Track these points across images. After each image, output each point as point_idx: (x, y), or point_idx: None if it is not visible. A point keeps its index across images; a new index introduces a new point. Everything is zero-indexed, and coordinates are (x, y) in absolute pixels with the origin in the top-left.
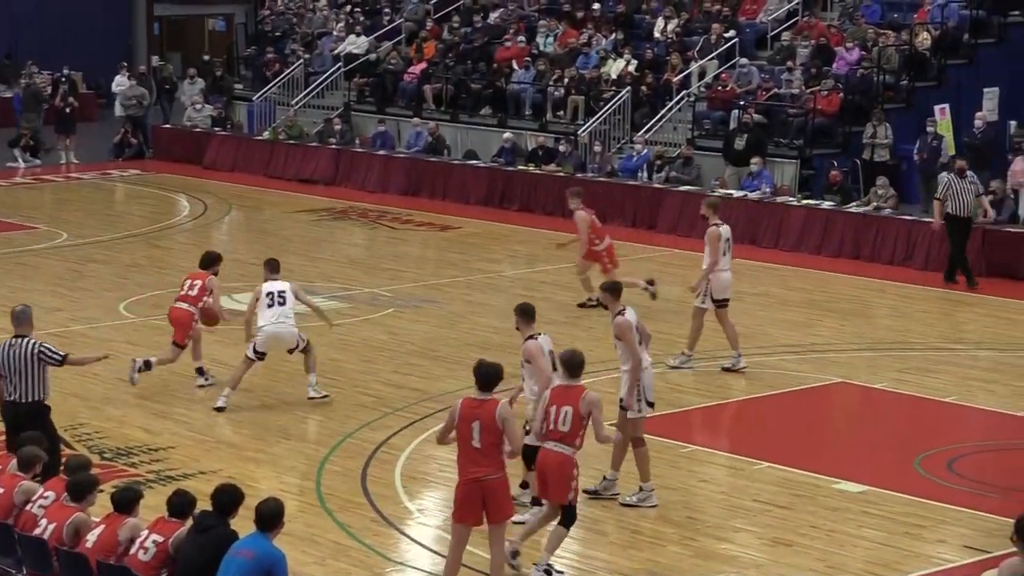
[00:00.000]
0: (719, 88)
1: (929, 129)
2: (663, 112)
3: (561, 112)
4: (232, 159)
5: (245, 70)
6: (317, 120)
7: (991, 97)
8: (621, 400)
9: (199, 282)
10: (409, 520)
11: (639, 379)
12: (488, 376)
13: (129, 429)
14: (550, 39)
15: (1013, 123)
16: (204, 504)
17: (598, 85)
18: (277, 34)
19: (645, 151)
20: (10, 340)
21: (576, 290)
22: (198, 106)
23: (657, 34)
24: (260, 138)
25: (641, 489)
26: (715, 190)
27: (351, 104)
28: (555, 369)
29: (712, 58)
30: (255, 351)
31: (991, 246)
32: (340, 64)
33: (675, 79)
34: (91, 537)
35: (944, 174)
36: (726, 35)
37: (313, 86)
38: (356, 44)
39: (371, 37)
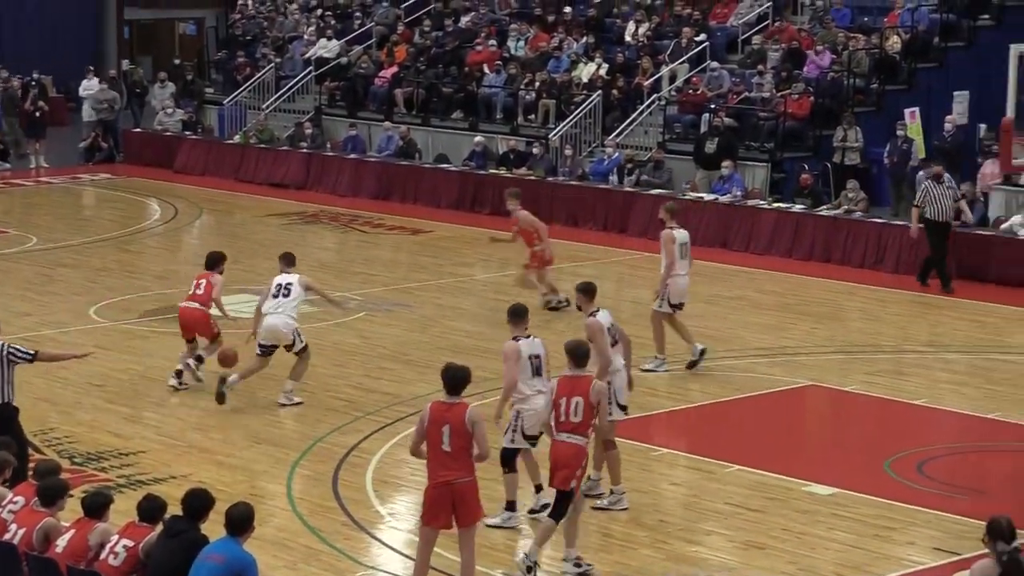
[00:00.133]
0: (690, 92)
1: (899, 132)
2: (634, 116)
3: (532, 116)
4: (203, 163)
5: (216, 74)
6: (288, 124)
7: (961, 100)
8: None
9: (204, 281)
10: (380, 524)
11: (608, 382)
12: (456, 379)
13: (99, 434)
14: (521, 43)
15: (983, 126)
16: (174, 509)
17: (569, 89)
18: (248, 38)
19: (616, 155)
20: None
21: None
22: (169, 110)
23: (628, 38)
24: (231, 142)
25: (612, 492)
26: (686, 193)
27: (322, 108)
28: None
29: (683, 62)
30: (260, 346)
31: (961, 249)
32: (311, 68)
33: (646, 83)
34: (61, 542)
35: (921, 176)
36: (697, 39)
37: (284, 90)
38: (327, 48)
39: (342, 41)
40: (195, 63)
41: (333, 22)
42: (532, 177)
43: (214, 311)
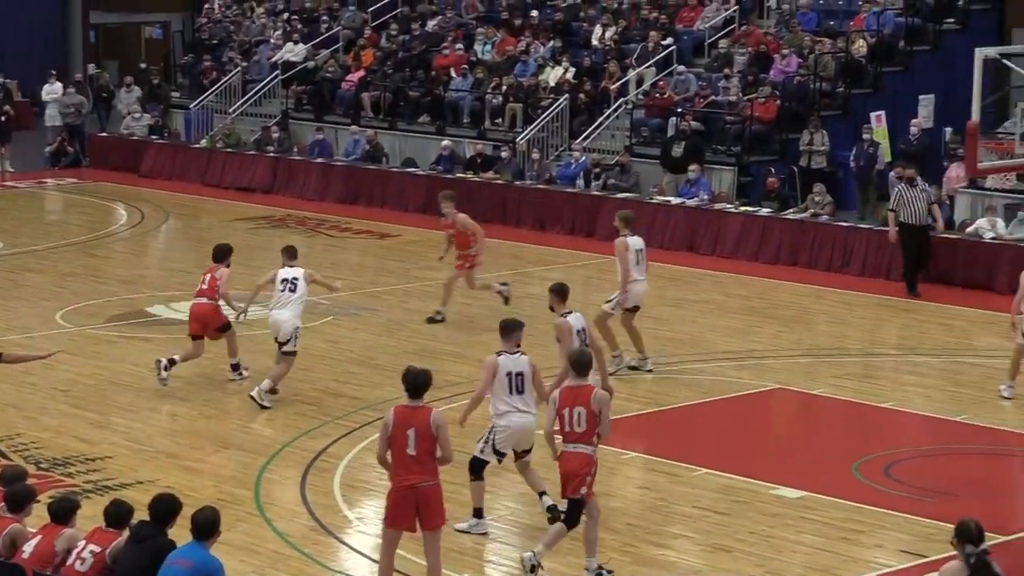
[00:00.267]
0: (657, 95)
1: (865, 136)
2: (601, 120)
3: (499, 120)
4: (169, 167)
5: (182, 78)
6: (255, 128)
7: (926, 104)
8: None
9: (209, 275)
10: (348, 529)
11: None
12: (417, 383)
13: (66, 439)
14: (488, 47)
15: (949, 130)
16: (141, 514)
17: (536, 93)
18: (214, 42)
19: (583, 158)
20: None
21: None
22: (137, 115)
23: (595, 42)
24: (197, 146)
25: None
26: (653, 197)
27: (289, 112)
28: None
29: (649, 65)
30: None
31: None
32: (278, 72)
33: (613, 87)
34: (28, 548)
35: (892, 178)
36: (663, 43)
37: (251, 94)
38: (294, 52)
39: (309, 45)
40: (161, 67)
41: (300, 26)
42: (499, 181)
43: (222, 303)
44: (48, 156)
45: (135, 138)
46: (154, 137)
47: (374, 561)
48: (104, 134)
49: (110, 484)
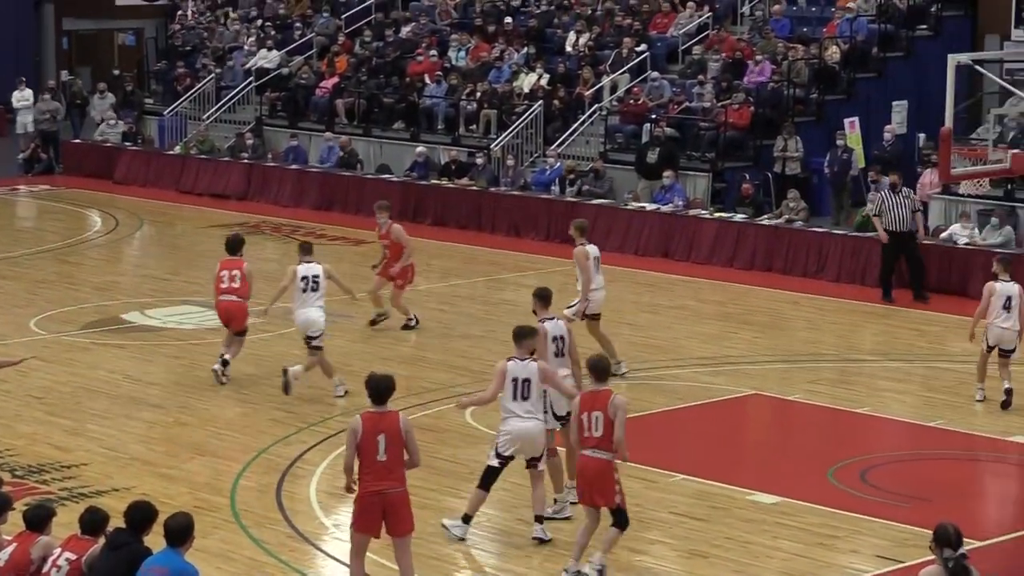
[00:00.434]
0: (631, 102)
1: (839, 142)
2: (575, 126)
3: (474, 126)
4: (143, 174)
5: (156, 85)
6: (229, 135)
7: (900, 110)
8: None
9: (237, 271)
10: (325, 535)
11: (545, 390)
12: (380, 388)
13: (41, 446)
14: (462, 53)
15: (922, 136)
16: (117, 521)
17: (510, 99)
18: (188, 48)
19: (558, 165)
20: None
21: (492, 304)
22: (112, 122)
23: (569, 48)
24: (171, 153)
25: (556, 501)
26: (628, 203)
27: (263, 119)
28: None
29: (624, 72)
30: (305, 338)
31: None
32: (251, 79)
33: (587, 93)
34: (3, 556)
35: (875, 183)
36: (637, 49)
37: (224, 100)
38: (267, 58)
39: (282, 51)
40: (135, 74)
41: (273, 32)
42: (474, 187)
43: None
44: (21, 163)
45: (109, 145)
46: (128, 144)
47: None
48: (78, 141)
49: (85, 491)
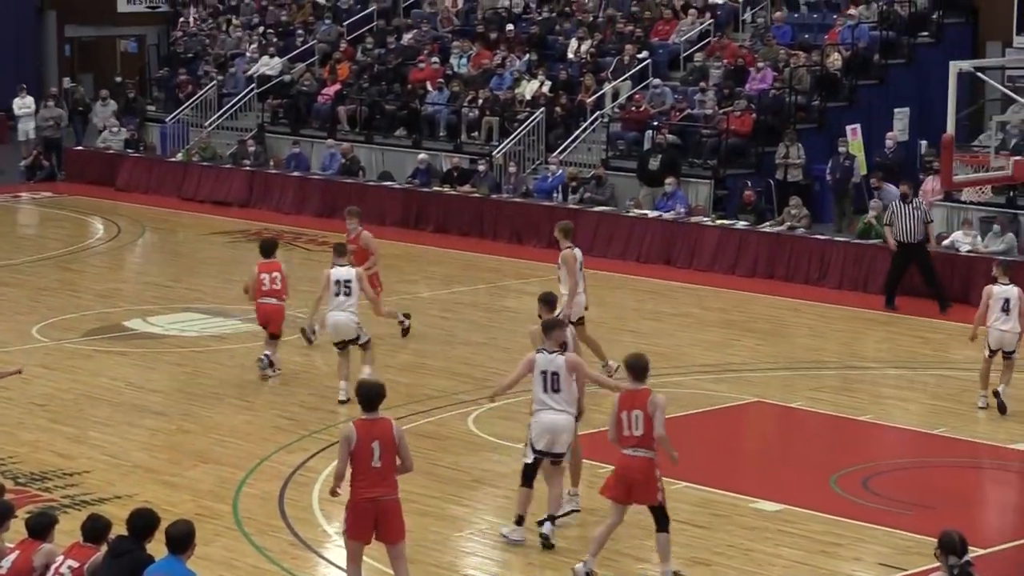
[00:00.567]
0: (633, 109)
1: (841, 149)
2: (577, 133)
3: (476, 133)
4: (145, 181)
5: (158, 92)
6: (231, 142)
7: (901, 117)
8: None
9: (277, 273)
10: (327, 543)
11: None
12: (371, 396)
13: (43, 454)
14: (464, 60)
15: (924, 143)
16: (119, 529)
17: (512, 106)
18: (190, 55)
19: (560, 172)
20: None
21: (494, 311)
22: (114, 129)
23: (571, 55)
24: (173, 160)
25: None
26: (630, 210)
27: (265, 126)
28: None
29: (625, 79)
30: (335, 345)
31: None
32: (253, 85)
33: (589, 100)
34: (6, 563)
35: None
36: (639, 56)
37: (226, 107)
38: (269, 65)
39: (284, 58)
40: (137, 81)
41: (275, 39)
42: (476, 195)
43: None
44: (23, 170)
45: (111, 152)
46: (130, 151)
47: None
48: (80, 148)
49: (88, 499)
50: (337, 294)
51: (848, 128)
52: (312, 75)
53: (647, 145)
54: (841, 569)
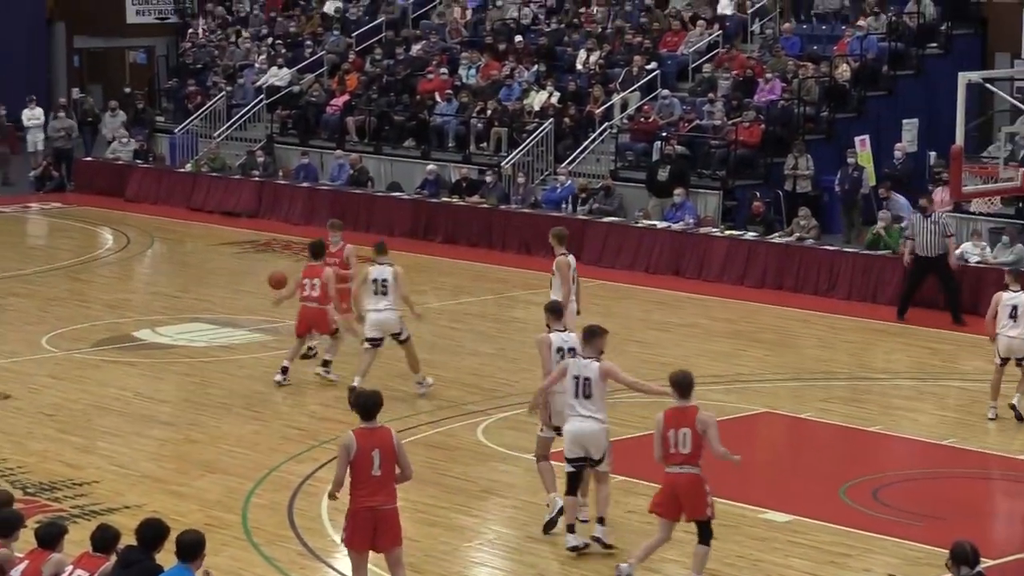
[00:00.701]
0: (641, 120)
1: (850, 160)
2: (586, 144)
3: (484, 144)
4: (154, 192)
5: (167, 102)
6: (240, 152)
7: (910, 128)
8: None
9: (317, 279)
10: (336, 553)
11: (546, 398)
12: (368, 405)
13: (52, 464)
14: (472, 71)
15: (933, 154)
16: (128, 539)
17: (521, 117)
18: (199, 66)
19: (568, 182)
20: None
21: (503, 321)
22: (124, 139)
23: (579, 66)
24: (182, 170)
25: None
26: (639, 221)
27: (274, 136)
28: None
29: (634, 90)
30: (367, 339)
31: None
32: (262, 96)
33: (597, 111)
34: (15, 573)
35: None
36: (648, 67)
37: (235, 118)
38: (278, 76)
39: (293, 69)
40: (146, 91)
41: (284, 50)
42: (485, 205)
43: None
44: (33, 180)
45: (120, 162)
46: (139, 162)
47: None
48: (89, 159)
49: (97, 509)
50: (375, 292)
51: (857, 139)
52: (321, 86)
53: (656, 156)
54: None
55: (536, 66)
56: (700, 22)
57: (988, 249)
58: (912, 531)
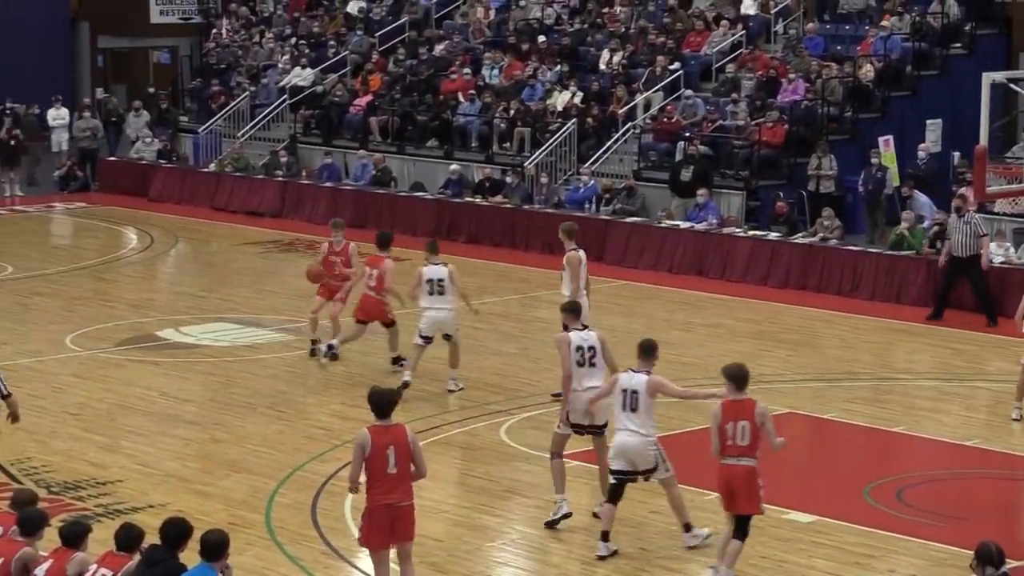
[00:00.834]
0: (664, 120)
1: (873, 160)
2: (609, 144)
3: (507, 144)
4: (178, 191)
5: (190, 102)
6: (263, 152)
7: (934, 129)
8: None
9: (376, 271)
10: (359, 553)
11: (567, 396)
12: (383, 403)
13: (76, 463)
14: (495, 71)
15: (957, 154)
16: (152, 538)
17: (544, 117)
18: (222, 66)
19: (591, 183)
20: None
21: (526, 321)
22: (148, 139)
23: (602, 66)
24: (206, 170)
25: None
26: (662, 221)
27: (297, 136)
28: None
29: (657, 90)
30: (421, 336)
31: (937, 276)
32: (286, 96)
33: (620, 111)
34: (39, 572)
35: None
36: (671, 67)
37: (259, 118)
38: (302, 76)
39: (316, 69)
40: (169, 92)
41: (307, 51)
42: (508, 205)
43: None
44: (57, 180)
45: (144, 162)
46: (163, 161)
47: None
48: (113, 158)
49: (121, 508)
50: (431, 292)
51: (880, 139)
52: (344, 86)
53: (679, 156)
54: None
55: (559, 66)
56: (723, 22)
57: (1012, 249)
58: (936, 532)
